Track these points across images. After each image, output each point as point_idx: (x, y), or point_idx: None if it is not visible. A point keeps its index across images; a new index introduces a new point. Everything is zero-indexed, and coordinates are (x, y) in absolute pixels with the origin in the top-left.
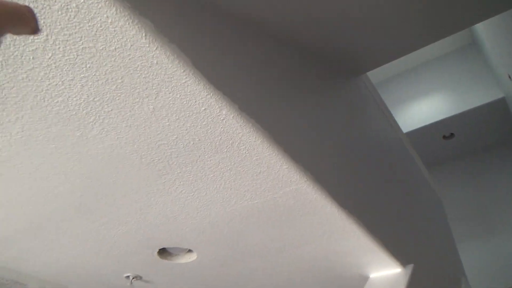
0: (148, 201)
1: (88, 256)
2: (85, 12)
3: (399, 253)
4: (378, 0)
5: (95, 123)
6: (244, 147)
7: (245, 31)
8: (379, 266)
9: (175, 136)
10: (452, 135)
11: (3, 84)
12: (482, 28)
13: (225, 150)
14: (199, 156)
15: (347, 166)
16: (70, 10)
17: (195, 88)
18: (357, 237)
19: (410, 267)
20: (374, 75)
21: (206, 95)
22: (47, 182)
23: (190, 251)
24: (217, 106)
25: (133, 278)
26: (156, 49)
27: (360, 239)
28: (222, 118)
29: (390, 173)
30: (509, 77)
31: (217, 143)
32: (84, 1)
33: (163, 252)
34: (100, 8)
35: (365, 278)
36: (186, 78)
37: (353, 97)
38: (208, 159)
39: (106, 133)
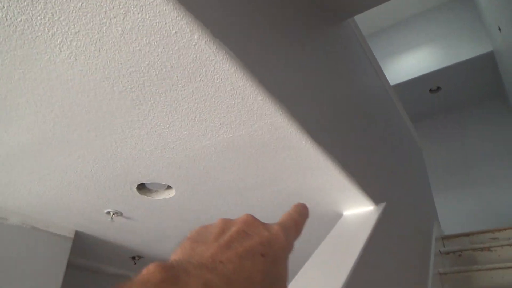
0: (122, 133)
1: (68, 190)
2: None
3: (372, 192)
4: None
5: (62, 46)
6: (218, 76)
7: None
8: (353, 203)
9: (147, 63)
10: (438, 88)
11: None
12: None
13: (199, 79)
14: (172, 85)
15: (326, 104)
16: None
17: (164, 8)
18: (331, 174)
19: (382, 205)
20: (363, 28)
21: (177, 17)
22: (17, 111)
23: (169, 187)
24: (188, 30)
25: (113, 213)
26: None
27: (334, 176)
28: (194, 43)
29: (371, 118)
30: (499, 29)
31: (190, 71)
32: None
33: (142, 188)
34: None
35: (339, 215)
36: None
37: (339, 40)
38: (181, 89)
39: (75, 57)
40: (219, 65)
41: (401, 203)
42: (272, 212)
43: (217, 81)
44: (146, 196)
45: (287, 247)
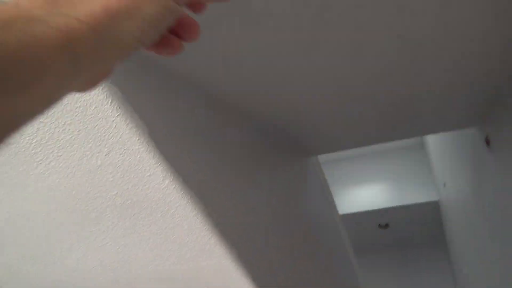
0: (70, 244)
1: None
2: None
3: None
4: (336, 98)
5: (40, 163)
6: (178, 215)
7: (209, 109)
8: None
9: (115, 192)
10: (387, 225)
11: None
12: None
13: (160, 214)
14: (133, 215)
15: (275, 250)
16: None
17: (145, 155)
18: None
19: None
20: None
21: (154, 164)
22: None
23: None
24: (161, 175)
25: None
26: (118, 115)
27: None
28: (163, 186)
29: (319, 251)
30: (444, 185)
31: (154, 207)
32: None
33: None
34: None
35: None
36: (139, 145)
37: (297, 175)
38: (141, 219)
39: (48, 174)
40: (182, 207)
41: None
42: None
43: (177, 219)
44: None
45: None
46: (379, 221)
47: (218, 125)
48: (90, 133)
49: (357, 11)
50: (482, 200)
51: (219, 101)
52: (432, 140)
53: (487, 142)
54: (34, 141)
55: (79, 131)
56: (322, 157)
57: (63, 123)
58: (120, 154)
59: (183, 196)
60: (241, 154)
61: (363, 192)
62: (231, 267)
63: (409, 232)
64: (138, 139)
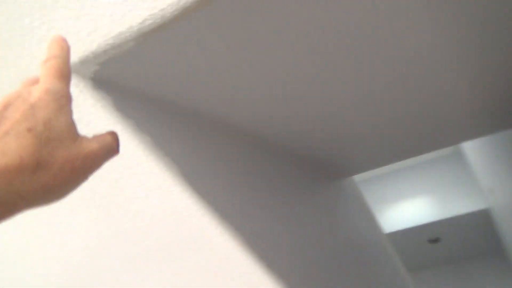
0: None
1: None
2: (93, 126)
3: None
4: (367, 113)
5: (79, 214)
6: (221, 251)
7: (236, 142)
8: None
9: (158, 235)
10: (437, 239)
11: None
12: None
13: (204, 252)
14: (178, 256)
15: (317, 270)
16: (81, 123)
17: (181, 196)
18: None
19: None
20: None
21: (190, 204)
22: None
23: None
24: (199, 214)
25: None
26: (151, 161)
27: None
28: (202, 224)
29: (366, 273)
30: (491, 191)
31: (197, 246)
32: (93, 117)
33: None
34: (107, 125)
35: None
36: (174, 187)
37: (334, 198)
38: (186, 259)
39: (93, 223)
40: (224, 242)
41: None
42: None
43: (219, 255)
44: None
45: (61, 103)
46: (428, 236)
47: (248, 158)
48: (127, 180)
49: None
50: None
51: (247, 135)
52: (470, 147)
53: None
54: (78, 194)
55: (116, 180)
56: (359, 177)
57: (100, 173)
58: (157, 197)
59: (223, 232)
60: (275, 184)
61: (406, 207)
62: None
63: (462, 245)
64: (172, 181)
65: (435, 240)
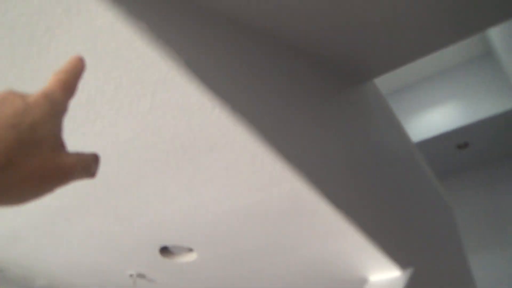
0: (147, 198)
1: (92, 253)
2: (85, 15)
3: (397, 256)
4: (383, 4)
5: (95, 121)
6: (238, 145)
7: (244, 33)
8: (378, 268)
9: (171, 135)
10: (466, 144)
11: None
12: (497, 38)
13: (220, 149)
14: (194, 155)
15: (346, 168)
16: (72, 12)
17: (188, 88)
18: (353, 238)
19: (410, 270)
20: (387, 84)
21: (200, 95)
22: None
23: (191, 250)
24: (210, 106)
25: (136, 276)
26: (151, 51)
27: (357, 241)
28: (215, 117)
29: (393, 177)
30: None
31: (212, 142)
32: (84, 5)
33: (165, 251)
34: (98, 11)
35: (365, 281)
36: (180, 78)
37: (357, 100)
38: (203, 158)
39: (107, 131)
40: (239, 136)
41: (431, 267)
42: (297, 279)
43: (237, 150)
44: (168, 259)
45: (55, 110)
46: (457, 141)
47: (260, 55)
48: (131, 76)
49: None
50: None
51: (260, 33)
52: (501, 42)
53: None
54: (83, 100)
55: (120, 77)
56: (388, 88)
57: (103, 73)
58: (164, 92)
59: (237, 123)
60: (289, 84)
61: (434, 115)
62: (303, 189)
63: (491, 148)
64: (177, 72)
65: (464, 145)
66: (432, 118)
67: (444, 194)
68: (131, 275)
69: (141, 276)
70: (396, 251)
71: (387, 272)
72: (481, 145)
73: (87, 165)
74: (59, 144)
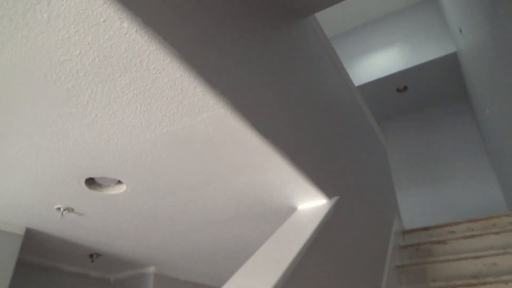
0: (63, 125)
1: (14, 185)
2: None
3: (324, 185)
4: None
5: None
6: (153, 66)
7: None
8: (306, 197)
9: (78, 51)
10: (405, 88)
11: None
12: None
13: (134, 69)
14: (108, 75)
15: (278, 100)
16: None
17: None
18: (281, 168)
19: (335, 199)
20: (329, 28)
21: (103, 4)
22: None
23: (120, 182)
24: (117, 18)
25: (64, 209)
26: None
27: (285, 170)
28: (124, 32)
29: (329, 116)
30: (460, 30)
31: (125, 61)
32: None
33: (92, 182)
34: None
35: (294, 210)
36: None
37: (298, 39)
38: (118, 79)
39: (1, 45)
40: (153, 55)
41: (357, 197)
42: (227, 209)
43: (153, 72)
44: (96, 192)
45: None
46: (396, 85)
47: None
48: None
49: None
50: (500, 45)
51: None
52: None
53: None
54: None
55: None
56: (330, 32)
57: None
58: (86, 28)
59: (150, 40)
60: (222, 12)
61: (377, 59)
62: (227, 116)
63: (429, 91)
64: None
65: (403, 89)
66: (374, 63)
67: (379, 133)
68: (58, 209)
69: (69, 209)
70: (323, 182)
71: (315, 201)
72: (419, 89)
73: None
74: None
